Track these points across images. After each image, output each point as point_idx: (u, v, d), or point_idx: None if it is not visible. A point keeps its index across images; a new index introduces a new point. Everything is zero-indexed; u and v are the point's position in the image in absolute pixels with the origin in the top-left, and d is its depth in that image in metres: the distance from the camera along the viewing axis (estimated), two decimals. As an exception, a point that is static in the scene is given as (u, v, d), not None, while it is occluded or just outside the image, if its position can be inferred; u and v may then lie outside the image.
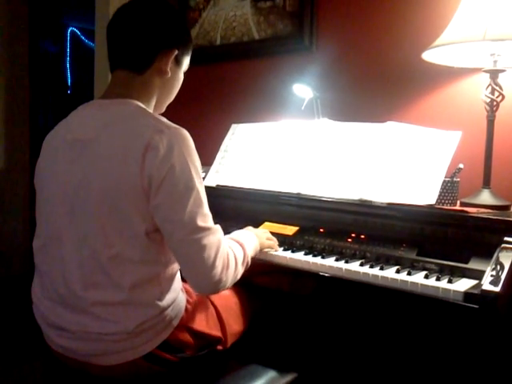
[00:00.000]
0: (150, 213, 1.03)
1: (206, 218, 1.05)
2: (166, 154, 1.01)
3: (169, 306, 1.09)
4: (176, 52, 1.17)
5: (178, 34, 1.20)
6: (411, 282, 1.13)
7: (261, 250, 1.34)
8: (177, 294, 1.12)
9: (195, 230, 1.02)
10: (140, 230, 1.03)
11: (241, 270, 1.16)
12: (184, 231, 1.02)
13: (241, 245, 1.20)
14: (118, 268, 1.04)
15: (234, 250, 1.15)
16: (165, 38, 1.16)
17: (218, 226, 1.09)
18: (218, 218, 1.55)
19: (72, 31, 4.21)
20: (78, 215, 1.07)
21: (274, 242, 1.39)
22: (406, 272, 1.17)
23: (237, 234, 1.29)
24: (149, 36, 1.14)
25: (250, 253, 1.23)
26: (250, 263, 1.21)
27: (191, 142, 1.07)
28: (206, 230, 1.04)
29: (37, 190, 1.18)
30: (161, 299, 1.07)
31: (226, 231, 1.55)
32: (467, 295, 1.05)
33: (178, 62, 1.20)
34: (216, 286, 1.07)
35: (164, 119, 1.08)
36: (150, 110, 1.17)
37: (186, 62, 1.24)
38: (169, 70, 1.17)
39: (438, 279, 1.12)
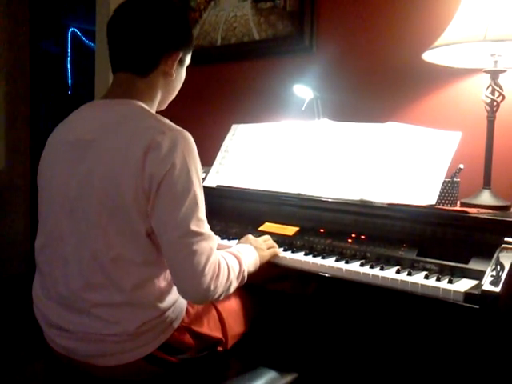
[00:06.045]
0: (149, 214, 1.02)
1: (200, 223, 1.02)
2: (167, 152, 1.00)
3: (169, 308, 1.09)
4: (181, 54, 1.16)
5: (182, 35, 1.17)
6: (411, 283, 1.13)
7: (263, 262, 1.28)
8: (178, 296, 1.11)
9: (187, 233, 1.00)
10: (141, 231, 1.03)
11: (234, 283, 1.11)
12: (175, 233, 1.00)
13: (237, 258, 1.15)
14: (118, 269, 1.03)
15: (228, 261, 1.11)
16: (169, 41, 1.14)
17: (212, 234, 1.05)
18: (218, 218, 1.56)
19: (73, 32, 4.22)
20: (79, 216, 1.06)
21: (275, 246, 1.37)
22: (406, 272, 1.18)
23: (236, 248, 1.23)
24: (153, 39, 1.12)
25: (249, 268, 1.18)
26: (246, 278, 1.17)
27: (193, 144, 1.05)
28: (198, 234, 1.01)
29: (39, 189, 1.18)
30: (161, 300, 1.07)
31: (227, 231, 1.57)
32: (467, 295, 1.05)
33: (181, 61, 1.19)
34: (204, 295, 1.02)
35: (167, 121, 1.07)
36: (153, 110, 1.16)
37: (188, 59, 1.23)
38: (174, 71, 1.16)
39: (438, 279, 1.12)
